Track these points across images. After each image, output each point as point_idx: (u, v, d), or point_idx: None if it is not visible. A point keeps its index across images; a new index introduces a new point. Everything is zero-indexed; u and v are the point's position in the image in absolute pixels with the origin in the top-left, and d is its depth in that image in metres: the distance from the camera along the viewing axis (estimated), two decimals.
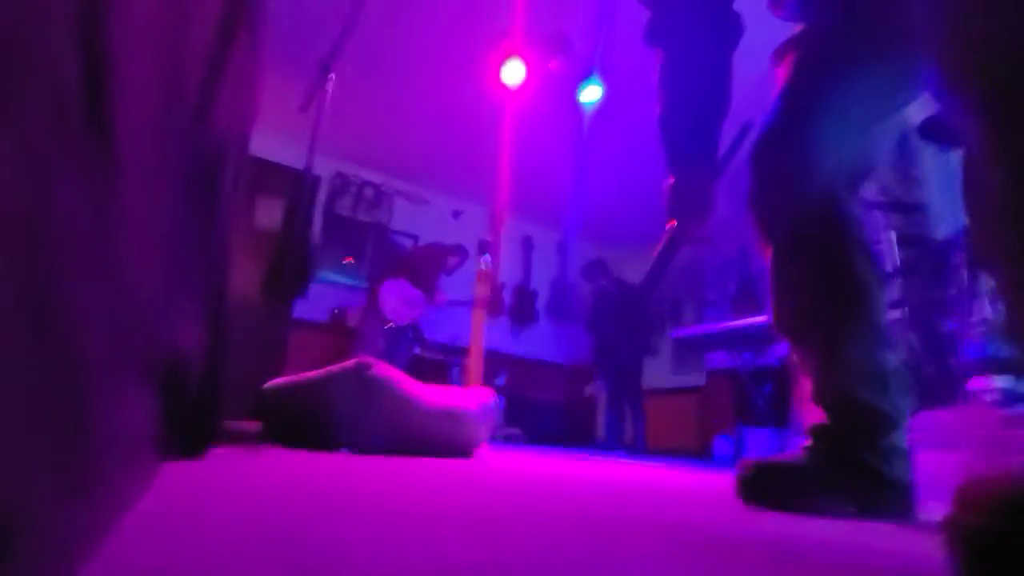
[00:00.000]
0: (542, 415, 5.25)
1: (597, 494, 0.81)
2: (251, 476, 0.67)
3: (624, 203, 4.82)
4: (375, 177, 5.12)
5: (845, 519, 0.72)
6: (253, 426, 1.47)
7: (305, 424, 1.38)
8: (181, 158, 0.49)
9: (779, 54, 0.93)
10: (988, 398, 2.03)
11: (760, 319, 2.90)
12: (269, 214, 4.41)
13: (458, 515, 0.49)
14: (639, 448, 3.83)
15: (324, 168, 4.88)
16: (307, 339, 4.35)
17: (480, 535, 0.39)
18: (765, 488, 0.77)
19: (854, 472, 0.79)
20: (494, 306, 5.16)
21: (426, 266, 3.63)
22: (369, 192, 5.10)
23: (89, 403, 0.26)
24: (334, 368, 1.40)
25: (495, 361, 4.84)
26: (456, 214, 5.37)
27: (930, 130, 2.63)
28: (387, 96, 4.10)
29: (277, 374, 1.68)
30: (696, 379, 5.34)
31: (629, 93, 3.22)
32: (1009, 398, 1.96)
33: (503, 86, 3.66)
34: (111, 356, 0.30)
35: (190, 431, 0.77)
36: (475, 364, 2.10)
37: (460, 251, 3.83)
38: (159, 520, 0.35)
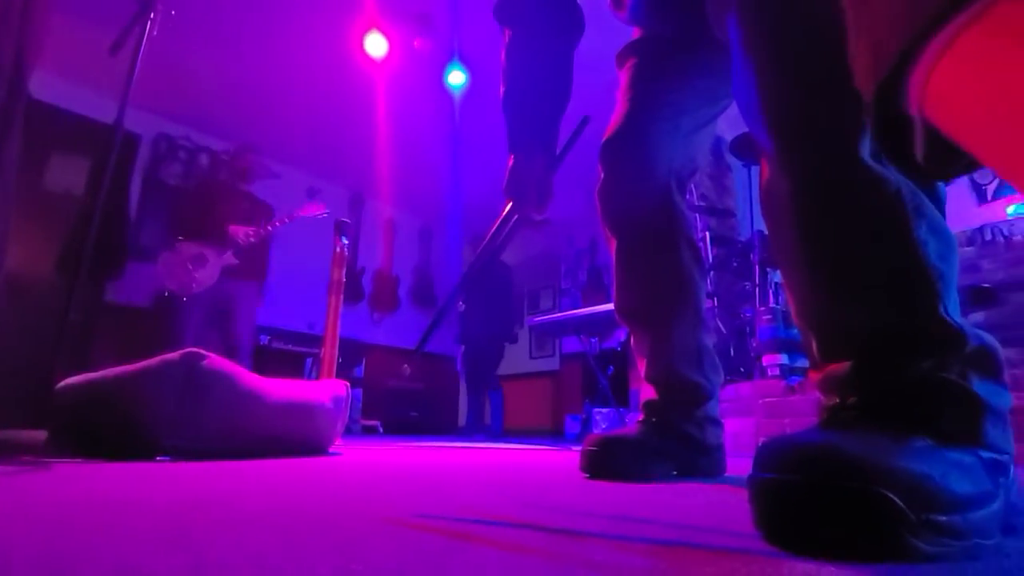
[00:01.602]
0: (402, 404, 5.15)
1: (455, 480, 0.81)
2: (15, 498, 0.54)
3: (498, 189, 4.89)
4: (213, 143, 4.49)
5: (671, 482, 0.82)
6: (36, 435, 1.20)
7: (111, 429, 1.16)
8: None
9: (621, 57, 1.01)
10: (774, 372, 2.47)
11: (606, 307, 3.17)
12: (68, 175, 3.63)
13: (299, 520, 0.44)
14: (497, 431, 3.96)
15: (145, 127, 4.15)
16: (125, 328, 3.70)
17: (322, 549, 0.36)
18: (605, 460, 0.84)
19: (678, 440, 0.89)
20: (351, 291, 4.88)
21: (200, 204, 2.77)
22: (204, 159, 4.45)
23: None
24: (152, 362, 1.20)
25: (353, 350, 4.61)
26: (311, 192, 4.97)
27: (739, 147, 3.11)
28: (229, 48, 3.59)
29: (78, 371, 1.38)
30: (551, 363, 5.68)
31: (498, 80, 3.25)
32: (788, 371, 2.41)
33: (368, 58, 3.45)
34: None
35: None
36: (329, 354, 1.97)
37: (241, 151, 2.94)
38: None
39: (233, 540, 0.35)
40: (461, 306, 4.12)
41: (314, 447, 1.39)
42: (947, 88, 0.21)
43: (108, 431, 1.17)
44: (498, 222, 1.02)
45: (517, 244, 5.50)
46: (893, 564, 0.32)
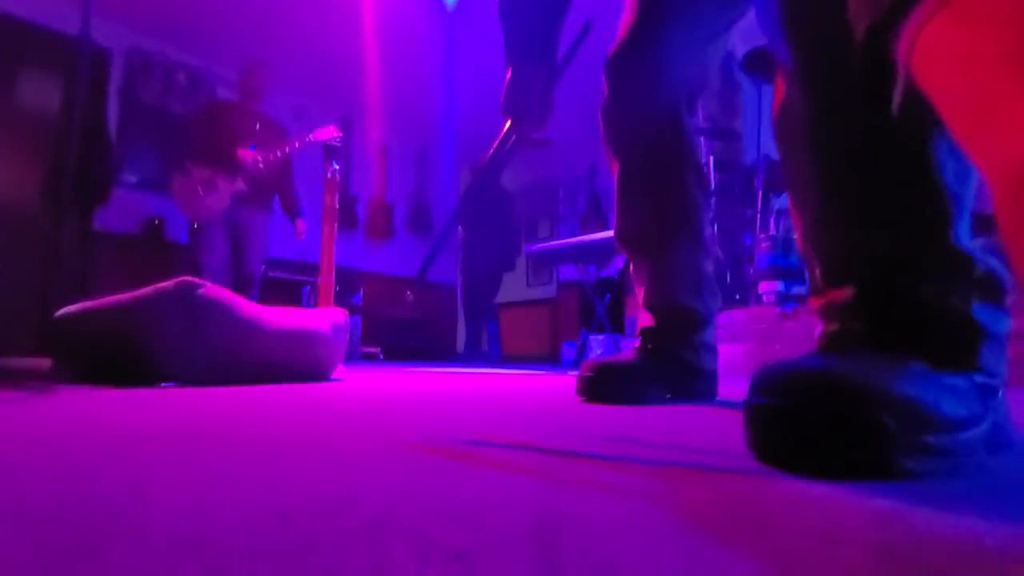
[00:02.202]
0: (402, 331, 5.25)
1: (455, 404, 0.83)
2: (27, 419, 0.55)
3: (495, 109, 4.65)
4: (190, 59, 4.22)
5: (665, 405, 0.84)
6: (40, 362, 1.21)
7: (113, 356, 1.17)
8: None
9: None
10: (770, 299, 2.50)
11: (604, 234, 3.14)
12: (40, 94, 3.43)
13: (306, 442, 0.45)
14: (495, 357, 4.06)
15: (116, 40, 3.87)
16: (117, 256, 3.67)
17: (327, 467, 0.36)
18: (601, 385, 0.86)
19: (674, 365, 0.91)
20: (346, 219, 4.81)
21: (207, 128, 2.64)
22: (182, 77, 4.20)
23: None
24: (149, 290, 1.19)
25: (350, 278, 4.62)
26: (298, 113, 4.74)
27: (752, 63, 2.93)
28: None
29: (73, 299, 1.38)
30: (549, 291, 5.74)
31: None
32: (784, 298, 2.44)
33: None
34: None
35: None
36: (326, 282, 1.97)
37: (252, 68, 2.75)
38: None
39: (241, 460, 0.36)
40: (461, 233, 4.08)
41: (316, 374, 1.42)
42: (933, 45, 0.22)
43: (110, 358, 1.19)
44: (497, 142, 0.97)
45: (514, 170, 5.35)
46: (881, 482, 0.33)
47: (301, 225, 2.92)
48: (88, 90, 3.34)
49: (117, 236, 3.74)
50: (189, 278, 1.20)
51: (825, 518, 0.26)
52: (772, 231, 2.85)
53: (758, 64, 2.94)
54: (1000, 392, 0.45)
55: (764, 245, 2.60)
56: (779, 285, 2.52)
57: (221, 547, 0.20)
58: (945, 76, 0.22)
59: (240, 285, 2.63)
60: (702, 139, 3.17)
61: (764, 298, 2.54)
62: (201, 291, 1.20)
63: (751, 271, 2.78)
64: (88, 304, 1.29)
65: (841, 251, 0.48)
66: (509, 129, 0.96)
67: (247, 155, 2.61)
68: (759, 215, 2.96)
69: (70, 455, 0.38)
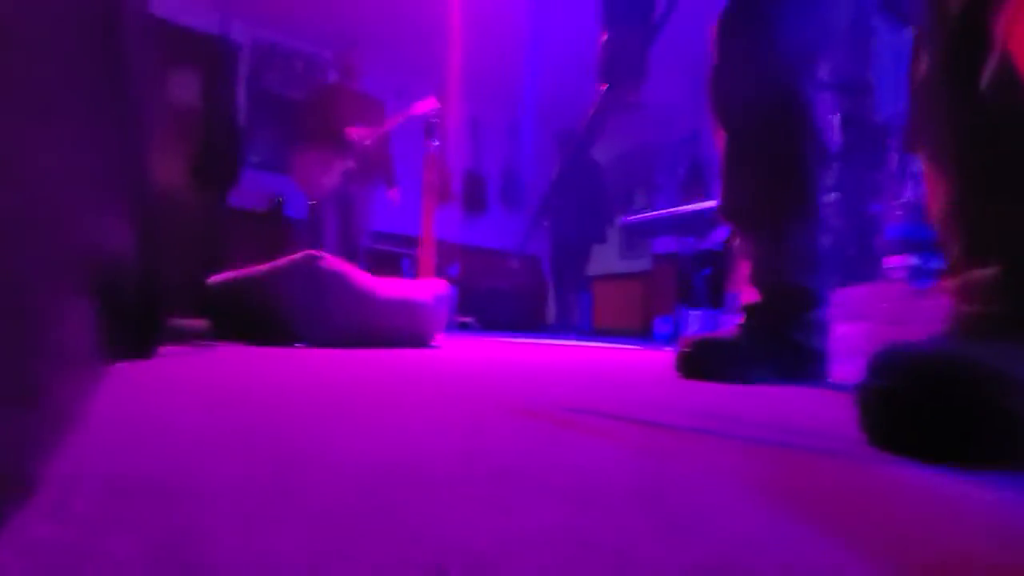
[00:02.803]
0: (495, 303, 5.41)
1: (550, 373, 0.87)
2: (205, 373, 0.67)
3: (585, 73, 4.53)
4: (304, 46, 4.56)
5: (771, 385, 0.82)
6: (201, 323, 1.44)
7: (256, 319, 1.36)
8: (63, 14, 0.41)
9: None
10: (900, 274, 2.25)
11: (705, 204, 2.98)
12: (184, 89, 3.91)
13: (426, 403, 0.51)
14: (586, 330, 4.07)
15: (242, 35, 4.27)
16: (247, 230, 4.13)
17: (451, 425, 0.41)
18: (702, 362, 0.85)
19: (780, 345, 0.87)
20: (444, 194, 4.99)
21: (318, 110, 2.83)
22: (298, 64, 4.55)
23: (17, 315, 0.24)
24: (281, 262, 1.36)
25: (447, 251, 4.83)
26: (398, 92, 4.96)
27: (890, 5, 2.57)
28: None
29: (220, 268, 1.61)
30: (643, 264, 5.58)
31: None
32: (918, 274, 2.18)
33: None
34: (30, 264, 0.27)
35: (134, 331, 0.74)
36: (427, 255, 2.09)
37: (346, 49, 2.89)
38: (114, 425, 0.35)
39: (377, 416, 0.42)
40: (550, 204, 4.08)
41: (418, 340, 1.54)
42: None
43: (253, 321, 1.37)
44: (593, 109, 0.95)
45: (608, 138, 5.19)
46: (1013, 474, 0.31)
47: (395, 194, 3.06)
48: (223, 83, 3.75)
49: (247, 212, 4.22)
50: (313, 251, 1.35)
51: (939, 506, 0.25)
52: (907, 198, 2.53)
53: (896, 6, 2.57)
54: None
55: (897, 214, 2.32)
56: (913, 259, 2.25)
57: (387, 477, 0.25)
58: None
59: (349, 257, 2.86)
60: (828, 95, 2.85)
61: (893, 273, 2.29)
62: (322, 263, 1.34)
63: (879, 243, 2.50)
64: (234, 273, 1.50)
65: (985, 225, 0.44)
66: (605, 94, 0.94)
67: (354, 133, 2.79)
68: (893, 179, 2.63)
69: (245, 400, 0.46)
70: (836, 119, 2.87)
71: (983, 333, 0.41)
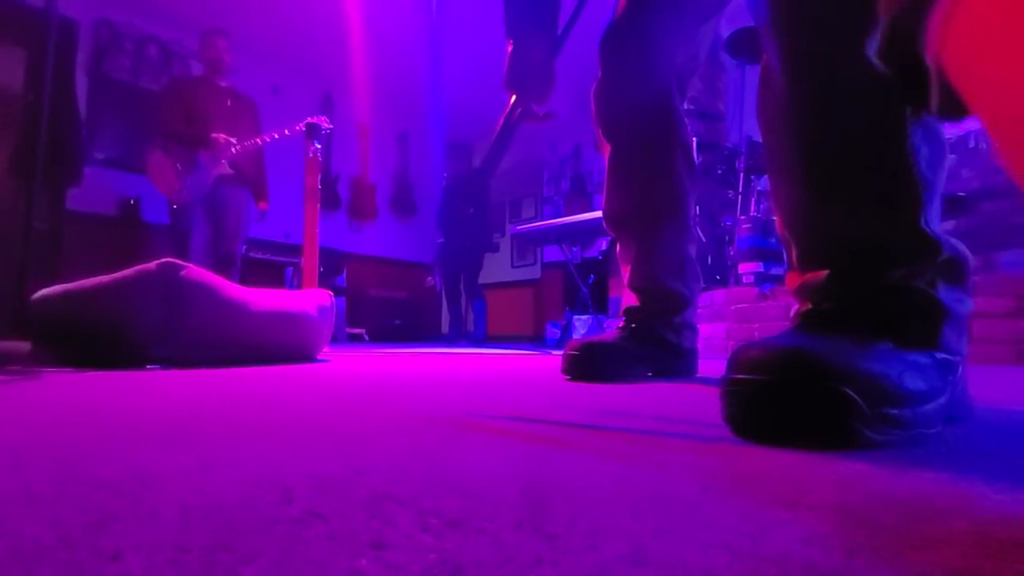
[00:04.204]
0: (386, 312, 5.23)
1: (443, 383, 0.85)
2: (14, 403, 0.55)
3: (482, 84, 4.51)
4: (161, 32, 4.06)
5: (647, 382, 0.87)
6: (21, 345, 1.20)
7: (95, 339, 1.16)
8: None
9: None
10: (749, 279, 2.55)
11: (589, 215, 3.15)
12: (6, 70, 3.28)
13: (299, 422, 0.46)
14: (480, 338, 4.09)
15: (81, 11, 3.70)
16: (92, 236, 3.57)
17: (324, 445, 0.37)
18: (586, 363, 0.88)
19: (656, 344, 0.94)
20: (328, 199, 4.72)
21: (179, 105, 2.55)
22: (153, 51, 4.04)
23: None
24: (129, 272, 1.17)
25: (334, 259, 4.57)
26: (275, 89, 4.62)
27: (735, 45, 2.94)
28: None
29: (50, 280, 1.35)
30: (533, 272, 5.75)
31: None
32: (763, 278, 2.49)
33: None
34: None
35: None
36: (310, 263, 1.95)
37: (209, 38, 2.64)
38: None
39: (235, 441, 0.37)
40: (440, 216, 4.06)
41: (302, 354, 1.43)
42: (970, 30, 0.21)
43: (93, 341, 1.17)
44: (503, 119, 0.95)
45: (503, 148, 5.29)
46: (846, 452, 0.36)
47: (263, 205, 2.86)
48: (55, 64, 3.20)
49: (91, 216, 3.64)
50: (172, 260, 1.19)
51: (790, 484, 0.28)
52: (753, 213, 2.90)
53: (742, 45, 2.94)
54: (960, 368, 0.48)
55: (745, 227, 2.64)
56: (758, 266, 2.57)
57: (229, 520, 0.21)
58: (985, 64, 0.21)
59: (221, 266, 2.59)
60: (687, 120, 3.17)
61: (743, 279, 2.60)
62: (184, 272, 1.18)
63: (731, 252, 2.83)
64: (68, 286, 1.26)
65: (816, 235, 0.50)
66: (514, 104, 0.94)
67: (220, 139, 2.55)
68: (740, 197, 3.00)
69: (66, 439, 0.38)
70: (694, 142, 3.21)
71: (818, 328, 0.46)
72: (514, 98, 0.94)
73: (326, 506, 0.23)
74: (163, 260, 1.17)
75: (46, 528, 0.20)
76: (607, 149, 0.95)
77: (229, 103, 2.66)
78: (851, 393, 0.37)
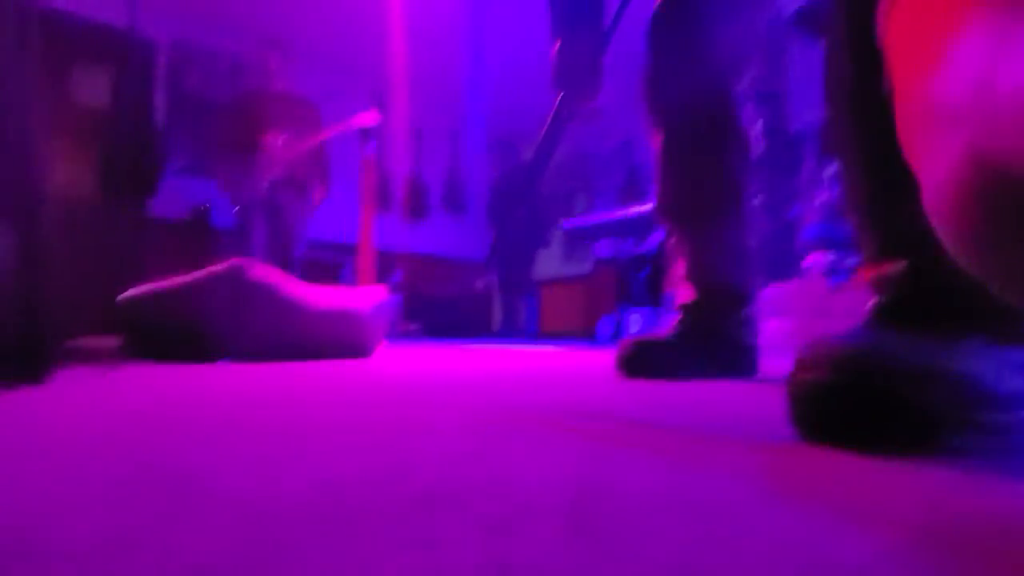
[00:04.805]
0: (440, 309, 5.33)
1: (493, 381, 0.85)
2: (105, 396, 0.60)
3: (528, 76, 4.48)
4: (228, 45, 4.32)
5: (705, 381, 0.84)
6: (110, 342, 1.31)
7: (174, 336, 1.25)
8: None
9: None
10: (818, 271, 2.41)
11: (642, 208, 3.08)
12: (92, 89, 3.59)
13: (355, 417, 0.48)
14: (532, 334, 4.09)
15: (160, 31, 3.99)
16: (168, 241, 3.85)
17: (377, 442, 0.38)
18: (640, 361, 0.86)
19: (714, 341, 0.90)
20: (382, 199, 4.87)
21: (239, 116, 2.74)
22: (223, 65, 4.30)
23: None
24: (203, 273, 1.26)
25: (389, 258, 4.71)
26: (330, 94, 4.79)
27: (802, 19, 2.76)
28: None
29: (135, 282, 1.48)
30: (585, 267, 5.69)
31: None
32: (834, 270, 2.34)
33: None
34: None
35: (17, 353, 0.66)
36: (366, 262, 2.02)
37: (261, 50, 2.75)
38: None
39: (292, 436, 0.38)
40: (491, 212, 4.09)
41: (358, 350, 1.48)
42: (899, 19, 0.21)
43: (172, 337, 1.26)
44: (550, 117, 0.94)
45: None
46: (927, 460, 0.33)
47: (320, 195, 2.84)
48: (136, 82, 3.48)
49: (168, 221, 3.93)
50: (238, 261, 1.26)
51: (863, 494, 0.25)
52: (822, 200, 2.72)
53: (809, 20, 2.77)
54: None
55: (813, 215, 2.49)
56: (829, 257, 2.42)
57: (283, 514, 0.22)
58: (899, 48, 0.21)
59: (282, 267, 2.72)
60: (749, 105, 3.03)
61: (812, 271, 2.45)
62: (249, 273, 1.25)
63: (799, 243, 2.67)
64: (149, 287, 1.37)
65: (894, 221, 0.46)
66: (561, 103, 0.93)
67: (273, 142, 2.67)
68: (808, 183, 2.83)
69: (145, 429, 0.41)
70: (758, 127, 3.06)
71: (896, 323, 0.42)
72: (561, 96, 0.93)
73: (377, 503, 0.23)
74: (231, 261, 1.25)
75: (122, 515, 0.21)
76: (657, 139, 0.92)
77: (286, 107, 2.80)
78: (934, 396, 0.34)
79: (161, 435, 0.38)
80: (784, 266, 2.89)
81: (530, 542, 0.19)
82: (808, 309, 2.26)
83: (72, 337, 1.35)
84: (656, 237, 3.52)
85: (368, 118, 2.62)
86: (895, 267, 0.45)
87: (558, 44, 0.93)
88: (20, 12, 0.69)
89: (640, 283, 3.30)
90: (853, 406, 0.35)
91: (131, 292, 1.41)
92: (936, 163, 0.25)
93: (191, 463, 0.30)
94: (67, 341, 1.09)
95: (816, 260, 2.42)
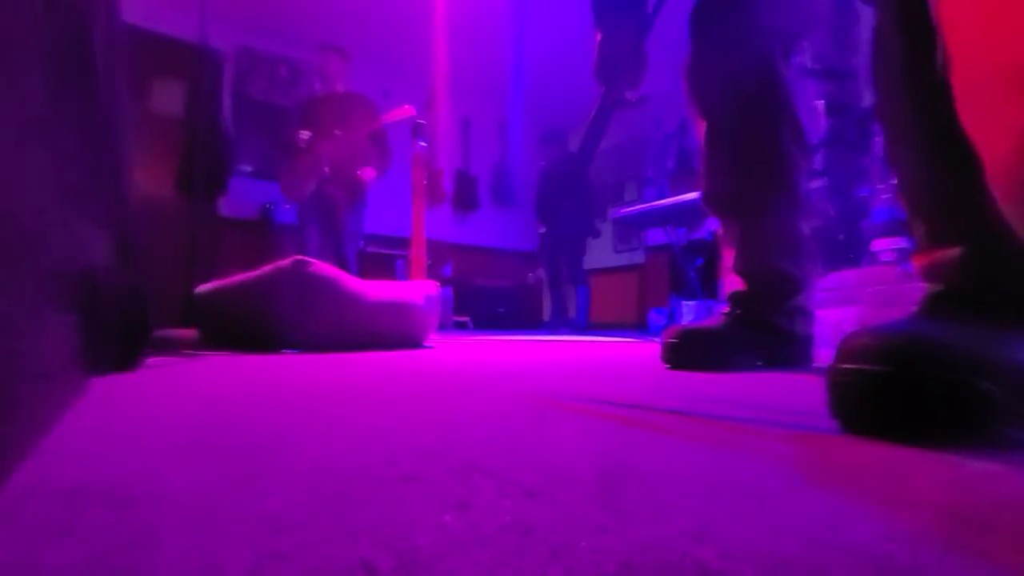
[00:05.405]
0: (490, 301, 5.41)
1: (539, 370, 0.87)
2: (190, 381, 0.67)
3: (572, 66, 4.43)
4: (288, 51, 4.54)
5: (755, 371, 0.82)
6: (189, 333, 1.43)
7: (244, 327, 1.36)
8: (35, 32, 0.41)
9: None
10: (888, 257, 2.26)
11: (695, 195, 2.99)
12: (168, 98, 3.88)
13: (406, 400, 0.51)
14: (582, 325, 4.08)
15: (226, 41, 4.25)
16: (237, 239, 4.12)
17: (426, 421, 0.41)
18: (686, 351, 0.85)
19: (764, 331, 0.88)
20: (434, 194, 4.98)
21: (301, 121, 2.87)
22: (283, 70, 4.53)
23: None
24: (268, 268, 1.35)
25: (440, 251, 4.82)
26: (385, 92, 4.93)
27: None
28: None
29: (209, 277, 1.61)
30: (636, 257, 5.59)
31: None
32: (906, 255, 2.19)
33: None
34: (4, 279, 0.27)
35: (116, 342, 0.74)
36: (418, 255, 2.09)
37: (322, 54, 2.94)
38: (84, 436, 0.35)
39: (351, 415, 0.42)
40: (540, 203, 4.10)
41: (411, 341, 1.54)
42: None
43: (242, 329, 1.37)
44: (596, 108, 0.93)
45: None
46: (977, 452, 0.32)
47: (369, 173, 2.94)
48: (207, 91, 3.72)
49: (237, 221, 4.20)
50: (301, 257, 1.35)
51: (892, 480, 0.26)
52: (892, 181, 2.54)
53: None
54: None
55: (883, 197, 2.34)
56: (899, 242, 2.26)
57: (344, 479, 0.25)
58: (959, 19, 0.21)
59: (336, 262, 2.86)
60: (811, 82, 2.86)
61: (880, 256, 2.30)
62: (311, 268, 1.33)
63: (867, 226, 2.51)
64: (221, 282, 1.49)
65: (946, 206, 0.44)
66: (605, 93, 0.93)
67: (321, 142, 2.80)
68: (877, 164, 2.65)
69: (225, 408, 0.46)
70: (821, 105, 2.88)
71: (949, 312, 0.41)
72: (606, 87, 0.92)
73: (422, 471, 0.26)
74: (295, 258, 1.33)
75: (214, 472, 0.25)
76: (702, 126, 0.90)
77: (344, 108, 2.92)
78: (988, 386, 0.33)
79: (243, 411, 0.43)
80: (851, 251, 2.73)
81: (554, 507, 0.21)
82: (876, 297, 2.13)
83: (154, 328, 1.49)
84: (710, 225, 3.41)
85: (401, 113, 2.70)
86: (949, 254, 0.43)
87: (600, 36, 0.92)
88: (110, 30, 0.77)
89: (694, 273, 3.21)
90: (896, 397, 0.35)
91: (205, 287, 1.53)
92: (1006, 134, 0.24)
93: (270, 434, 0.34)
94: (152, 332, 1.20)
95: (886, 245, 2.27)
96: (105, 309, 0.70)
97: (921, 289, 0.46)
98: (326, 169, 2.84)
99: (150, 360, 0.85)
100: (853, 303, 2.25)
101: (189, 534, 0.18)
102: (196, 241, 2.37)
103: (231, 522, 0.19)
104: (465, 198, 5.63)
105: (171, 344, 1.34)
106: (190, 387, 0.61)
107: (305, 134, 2.83)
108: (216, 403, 0.49)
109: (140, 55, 3.67)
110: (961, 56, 0.25)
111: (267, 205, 4.33)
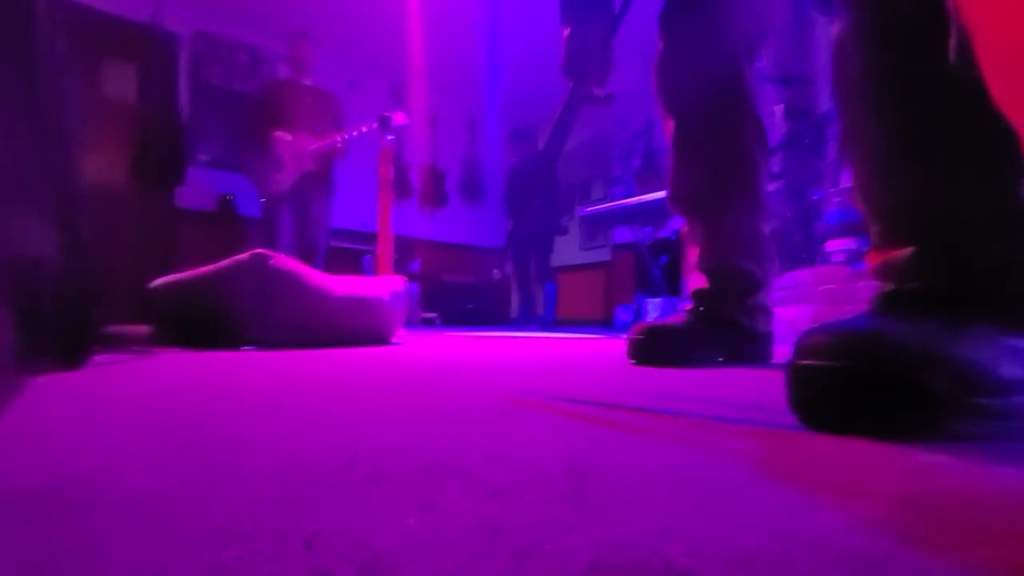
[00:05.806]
0: (458, 297, 5.38)
1: (506, 367, 0.87)
2: (139, 379, 0.63)
3: (543, 64, 4.44)
4: (248, 37, 4.37)
5: (716, 367, 0.84)
6: (142, 329, 1.37)
7: (202, 323, 1.30)
8: None
9: None
10: (840, 257, 2.36)
11: (661, 194, 3.04)
12: (121, 82, 3.68)
13: (372, 398, 0.50)
14: (549, 321, 4.10)
15: (182, 24, 4.06)
16: (194, 231, 3.95)
17: (390, 419, 0.40)
18: (650, 348, 0.86)
19: (726, 328, 0.90)
20: (402, 188, 4.91)
21: (269, 107, 2.76)
22: (243, 56, 4.37)
23: None
24: (227, 262, 1.30)
25: (407, 246, 4.75)
26: (351, 84, 4.82)
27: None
28: None
29: (164, 271, 1.53)
30: (603, 254, 5.66)
31: None
32: (856, 256, 2.30)
33: None
34: None
35: (60, 339, 0.70)
36: (385, 250, 2.05)
37: (295, 40, 2.84)
38: (17, 437, 0.32)
39: (313, 413, 0.41)
40: (508, 200, 4.10)
41: (377, 337, 1.51)
42: None
43: (199, 324, 1.31)
44: (562, 104, 0.93)
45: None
46: (925, 444, 0.33)
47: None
48: (160, 75, 3.55)
49: (195, 212, 4.03)
50: (262, 250, 1.30)
51: (851, 473, 0.26)
52: (845, 185, 2.66)
53: (836, 1, 2.67)
54: None
55: (835, 200, 2.44)
56: (851, 243, 2.37)
57: (301, 480, 0.24)
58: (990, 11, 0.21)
59: (306, 256, 2.78)
60: (769, 87, 2.95)
61: (833, 257, 2.40)
62: (272, 262, 1.29)
63: (820, 228, 2.62)
64: (176, 276, 1.43)
65: (901, 207, 0.46)
66: (572, 89, 0.93)
67: (302, 137, 2.71)
68: (832, 167, 2.76)
69: (176, 408, 0.44)
70: (779, 110, 2.98)
71: (900, 310, 0.43)
72: (573, 84, 0.92)
73: (385, 471, 0.25)
74: (254, 251, 1.28)
75: (157, 476, 0.24)
76: (670, 125, 0.91)
77: (312, 101, 2.83)
78: (933, 381, 0.34)
79: (194, 410, 0.41)
80: (806, 251, 2.84)
81: (521, 507, 0.20)
82: (829, 296, 2.22)
83: (104, 323, 1.41)
84: (675, 223, 3.48)
85: (396, 119, 2.62)
86: (902, 254, 0.45)
87: (567, 31, 0.92)
88: (51, 6, 0.72)
89: (659, 270, 3.27)
90: (851, 391, 0.36)
91: (161, 280, 1.46)
92: None
93: (224, 434, 0.32)
94: (101, 327, 1.14)
95: (838, 246, 2.37)
96: (45, 303, 0.66)
97: (871, 288, 0.48)
98: (310, 164, 2.77)
99: (97, 357, 0.80)
100: (807, 301, 2.35)
101: (127, 546, 0.17)
102: (151, 233, 2.27)
103: (172, 532, 0.18)
104: (433, 194, 5.57)
105: (122, 340, 1.27)
106: (137, 385, 0.58)
107: (286, 136, 2.73)
108: (164, 402, 0.46)
109: (90, 35, 3.48)
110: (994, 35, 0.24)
111: (227, 196, 4.18)
